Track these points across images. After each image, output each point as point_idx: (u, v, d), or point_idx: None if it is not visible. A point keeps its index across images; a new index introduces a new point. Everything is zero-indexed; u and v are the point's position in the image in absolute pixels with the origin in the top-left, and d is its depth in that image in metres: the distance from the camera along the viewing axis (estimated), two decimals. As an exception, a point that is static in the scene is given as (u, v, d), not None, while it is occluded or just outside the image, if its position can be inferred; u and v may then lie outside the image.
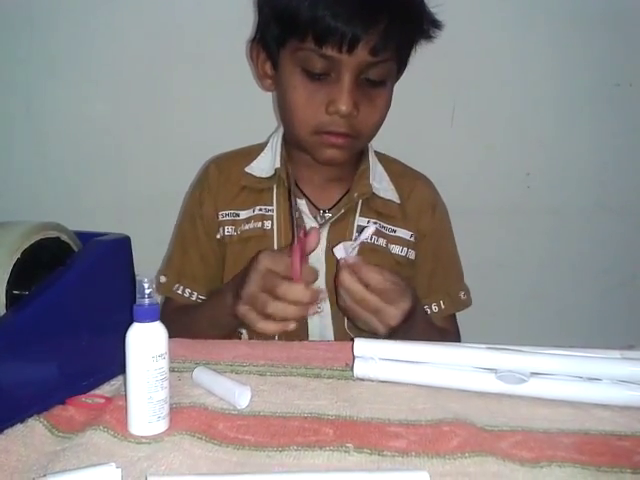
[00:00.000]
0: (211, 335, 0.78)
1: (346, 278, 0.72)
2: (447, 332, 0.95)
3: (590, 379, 0.58)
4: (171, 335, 0.54)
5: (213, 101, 1.22)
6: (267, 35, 0.87)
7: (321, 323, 0.89)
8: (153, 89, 1.22)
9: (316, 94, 0.83)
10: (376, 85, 0.84)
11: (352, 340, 0.64)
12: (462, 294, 0.98)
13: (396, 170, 0.98)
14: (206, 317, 0.87)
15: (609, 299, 1.32)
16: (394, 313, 0.73)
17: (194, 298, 0.94)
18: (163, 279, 0.94)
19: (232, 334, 0.86)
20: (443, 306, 0.96)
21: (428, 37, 0.87)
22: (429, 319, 0.92)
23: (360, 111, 0.82)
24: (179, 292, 0.94)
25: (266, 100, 1.16)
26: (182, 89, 1.22)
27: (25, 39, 1.19)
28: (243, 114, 1.21)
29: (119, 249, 0.64)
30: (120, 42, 1.19)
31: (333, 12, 0.77)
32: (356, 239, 0.78)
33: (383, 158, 0.99)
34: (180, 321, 0.87)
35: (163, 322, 0.54)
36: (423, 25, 0.86)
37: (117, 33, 1.19)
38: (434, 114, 1.25)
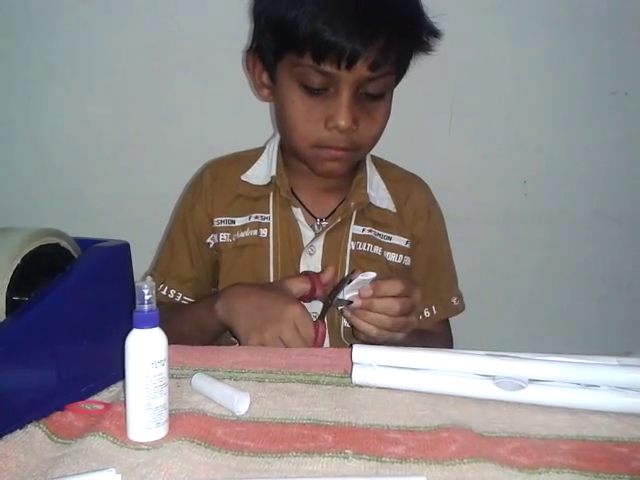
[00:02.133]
0: (195, 337, 0.79)
1: (375, 305, 0.74)
2: (438, 335, 0.95)
3: (588, 386, 0.59)
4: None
5: (213, 105, 1.23)
6: (263, 46, 0.86)
7: None
8: (152, 93, 1.22)
9: (315, 109, 0.82)
10: (375, 99, 0.83)
11: (350, 347, 0.64)
12: (455, 299, 0.98)
13: (392, 175, 0.98)
14: (193, 319, 0.86)
15: (606, 306, 1.33)
16: (418, 298, 0.77)
17: (179, 299, 0.94)
18: (149, 279, 0.94)
19: (216, 340, 0.85)
20: (435, 311, 0.96)
21: (428, 49, 0.86)
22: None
23: (359, 125, 0.82)
24: (163, 292, 0.93)
25: (266, 104, 1.16)
26: (181, 93, 1.23)
27: (24, 43, 1.19)
28: (243, 118, 1.21)
29: (118, 255, 0.64)
30: (119, 46, 1.20)
31: (332, 27, 0.75)
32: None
33: (379, 163, 0.98)
34: (164, 319, 0.88)
35: None
36: (422, 37, 0.84)
37: (116, 37, 1.20)
38: (431, 121, 1.26)
